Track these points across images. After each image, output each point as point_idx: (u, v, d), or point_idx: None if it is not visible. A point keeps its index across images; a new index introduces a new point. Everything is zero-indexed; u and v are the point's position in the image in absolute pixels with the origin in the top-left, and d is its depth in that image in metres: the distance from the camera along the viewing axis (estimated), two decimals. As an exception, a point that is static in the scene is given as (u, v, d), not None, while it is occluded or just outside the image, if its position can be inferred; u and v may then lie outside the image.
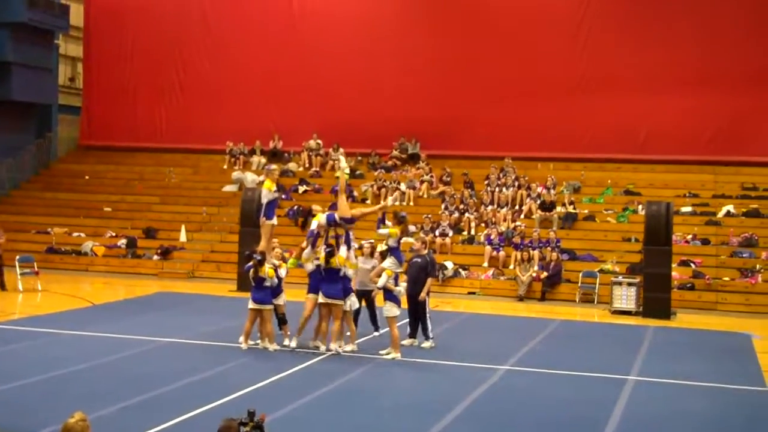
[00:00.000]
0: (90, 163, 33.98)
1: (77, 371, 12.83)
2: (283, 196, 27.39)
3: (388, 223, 15.60)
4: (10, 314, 18.31)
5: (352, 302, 14.93)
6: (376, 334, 16.20)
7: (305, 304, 14.87)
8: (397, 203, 27.82)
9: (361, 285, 15.57)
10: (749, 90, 28.13)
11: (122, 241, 27.89)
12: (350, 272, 14.70)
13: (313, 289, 14.74)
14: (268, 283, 14.70)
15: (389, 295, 14.81)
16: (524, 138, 29.74)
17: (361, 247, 15.87)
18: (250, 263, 14.77)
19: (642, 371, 14.26)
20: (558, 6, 30.24)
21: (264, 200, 15.54)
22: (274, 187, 15.44)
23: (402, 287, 15.16)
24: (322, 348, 14.62)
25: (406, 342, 15.67)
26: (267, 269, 14.64)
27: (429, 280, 15.51)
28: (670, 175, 28.63)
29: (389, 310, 14.75)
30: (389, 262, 14.87)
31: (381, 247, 15.92)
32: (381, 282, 14.72)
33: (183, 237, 27.93)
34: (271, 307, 14.85)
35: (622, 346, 16.76)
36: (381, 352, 14.71)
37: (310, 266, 14.75)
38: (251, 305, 14.75)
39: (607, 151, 29.32)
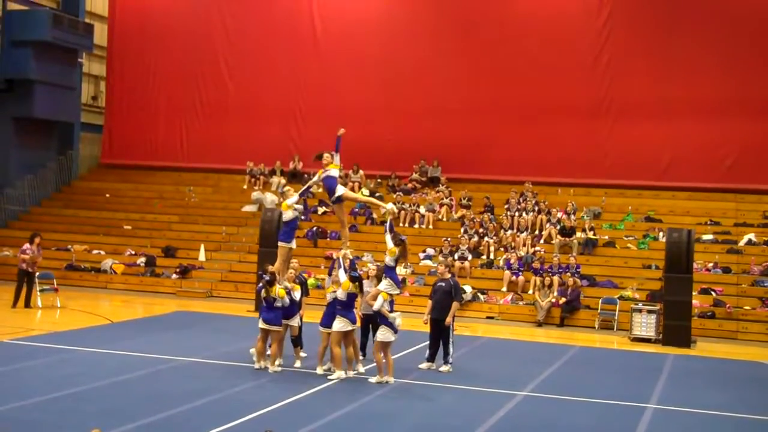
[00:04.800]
0: (110, 182, 34.17)
1: (94, 388, 12.83)
2: (302, 217, 27.44)
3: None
4: (29, 330, 18.34)
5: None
6: (360, 358, 15.56)
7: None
8: (417, 225, 27.87)
9: (366, 308, 15.14)
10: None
11: (141, 260, 27.98)
12: (340, 293, 14.31)
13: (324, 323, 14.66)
14: (279, 304, 14.66)
15: (384, 320, 14.21)
16: (545, 163, 29.69)
17: (364, 271, 15.46)
18: (261, 283, 14.78)
19: (661, 399, 14.13)
20: (580, 32, 30.15)
21: (284, 220, 15.64)
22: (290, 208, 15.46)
23: (398, 316, 14.33)
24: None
25: (424, 366, 15.58)
26: (278, 290, 14.62)
27: (454, 304, 15.36)
28: (692, 202, 28.46)
29: (384, 335, 14.16)
30: (385, 284, 14.35)
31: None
32: (377, 305, 14.19)
33: (202, 256, 27.99)
34: (279, 328, 14.76)
35: (641, 374, 16.61)
36: (371, 379, 14.33)
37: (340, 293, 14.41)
38: (261, 325, 14.75)
39: (628, 178, 29.22)
